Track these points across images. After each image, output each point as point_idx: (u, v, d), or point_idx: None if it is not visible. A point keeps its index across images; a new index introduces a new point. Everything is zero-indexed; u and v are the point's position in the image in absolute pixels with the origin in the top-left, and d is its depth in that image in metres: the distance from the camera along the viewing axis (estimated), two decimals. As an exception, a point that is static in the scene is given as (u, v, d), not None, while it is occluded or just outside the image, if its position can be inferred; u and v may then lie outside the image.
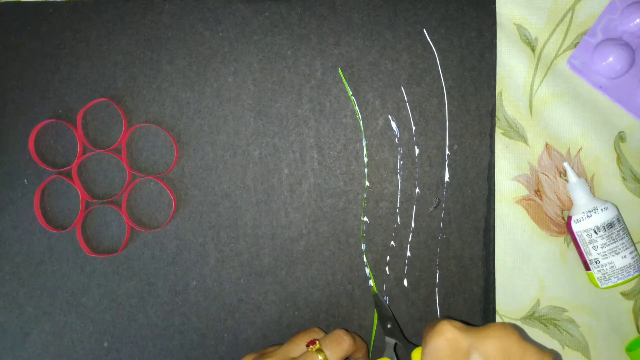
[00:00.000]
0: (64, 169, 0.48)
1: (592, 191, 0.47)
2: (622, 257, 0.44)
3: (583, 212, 0.44)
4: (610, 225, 0.44)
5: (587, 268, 0.45)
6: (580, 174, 0.47)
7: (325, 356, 0.41)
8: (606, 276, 0.44)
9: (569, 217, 0.45)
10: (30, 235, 0.48)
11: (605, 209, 0.44)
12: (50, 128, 0.48)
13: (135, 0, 0.48)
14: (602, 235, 0.44)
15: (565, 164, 0.46)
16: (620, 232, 0.44)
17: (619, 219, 0.45)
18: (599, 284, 0.45)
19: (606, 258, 0.44)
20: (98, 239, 0.48)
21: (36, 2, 0.48)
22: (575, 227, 0.45)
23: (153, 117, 0.48)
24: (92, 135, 0.48)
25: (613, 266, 0.44)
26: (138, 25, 0.48)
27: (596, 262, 0.44)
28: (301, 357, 0.41)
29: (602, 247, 0.44)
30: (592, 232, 0.44)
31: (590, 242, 0.44)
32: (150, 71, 0.48)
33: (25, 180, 0.48)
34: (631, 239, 0.45)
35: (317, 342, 0.41)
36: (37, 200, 0.48)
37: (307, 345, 0.41)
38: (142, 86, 0.48)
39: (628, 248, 0.44)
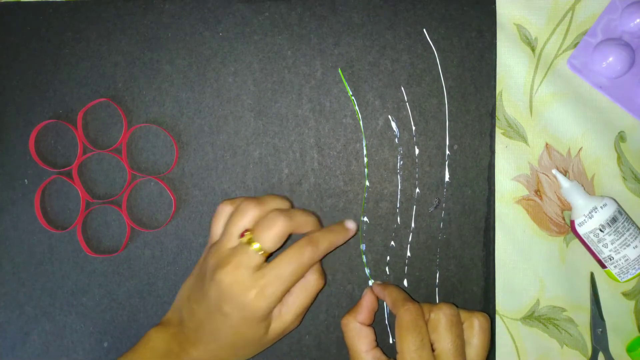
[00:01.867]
0: (65, 169, 0.48)
1: (592, 191, 0.47)
2: (634, 248, 0.44)
3: (584, 214, 0.44)
4: (614, 219, 0.44)
5: (603, 266, 0.45)
6: (581, 174, 0.47)
7: (260, 246, 0.39)
8: (624, 270, 0.44)
9: (572, 222, 0.45)
10: (31, 235, 0.48)
11: (605, 205, 0.44)
12: (51, 128, 0.48)
13: (135, 0, 0.48)
14: (609, 232, 0.44)
15: (554, 171, 0.46)
16: (626, 223, 0.44)
17: (620, 211, 0.45)
18: (619, 279, 0.45)
19: (618, 253, 0.44)
20: (98, 239, 0.48)
21: (36, 2, 0.49)
22: (580, 230, 0.45)
23: (153, 117, 0.48)
24: (92, 135, 0.48)
25: (627, 259, 0.44)
26: (138, 25, 0.48)
27: (610, 259, 0.45)
28: (235, 252, 0.40)
29: (611, 243, 0.44)
30: (598, 231, 0.44)
31: (599, 242, 0.44)
32: (150, 71, 0.48)
33: (26, 180, 0.48)
34: (637, 227, 0.45)
35: (248, 232, 0.40)
36: (37, 200, 0.48)
37: (241, 235, 0.40)
38: (142, 86, 0.48)
39: (637, 237, 0.44)
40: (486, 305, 0.47)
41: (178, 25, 0.48)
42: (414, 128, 0.47)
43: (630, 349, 0.46)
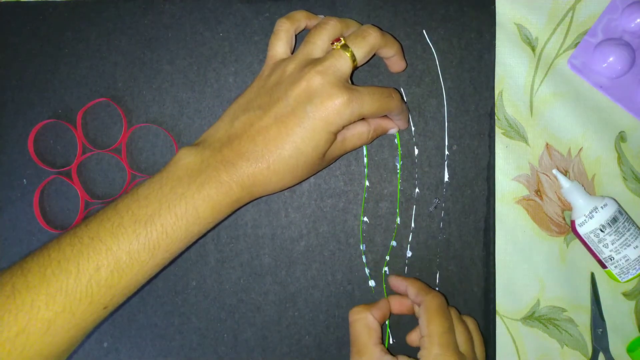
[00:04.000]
0: (64, 169, 0.48)
1: (593, 191, 0.47)
2: (635, 248, 0.44)
3: (585, 215, 0.44)
4: (614, 220, 0.44)
5: (604, 266, 0.45)
6: (581, 174, 0.47)
7: (352, 53, 0.38)
8: (624, 270, 0.44)
9: (573, 222, 0.45)
10: (30, 235, 0.48)
11: (605, 205, 0.44)
12: (50, 128, 0.48)
13: (135, 0, 0.48)
14: (609, 232, 0.44)
15: (554, 171, 0.46)
16: (626, 223, 0.44)
17: (621, 211, 0.45)
18: (619, 279, 0.45)
19: (619, 253, 0.44)
20: (98, 239, 0.48)
21: (36, 2, 0.49)
22: (581, 230, 0.45)
23: (153, 117, 0.48)
24: (92, 135, 0.48)
25: (628, 259, 0.44)
26: (138, 25, 0.48)
27: (611, 259, 0.44)
28: (327, 57, 0.38)
29: (612, 244, 0.44)
30: (599, 231, 0.44)
31: (599, 242, 0.44)
32: (150, 71, 0.48)
33: (25, 180, 0.48)
34: (638, 227, 0.45)
35: (342, 38, 0.39)
36: (36, 200, 0.48)
37: (332, 43, 0.39)
38: (142, 86, 0.48)
39: (638, 237, 0.44)
40: (486, 305, 0.47)
41: (178, 25, 0.48)
42: (413, 128, 0.47)
43: (630, 349, 0.46)
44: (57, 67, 0.48)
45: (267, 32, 0.48)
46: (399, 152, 0.47)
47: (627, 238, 0.44)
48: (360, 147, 0.44)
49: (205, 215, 0.37)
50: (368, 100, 0.38)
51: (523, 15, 0.47)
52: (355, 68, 0.39)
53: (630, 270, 0.44)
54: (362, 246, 0.47)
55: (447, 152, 0.47)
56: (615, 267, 0.45)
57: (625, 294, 0.47)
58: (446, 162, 0.47)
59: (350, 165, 0.48)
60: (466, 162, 0.47)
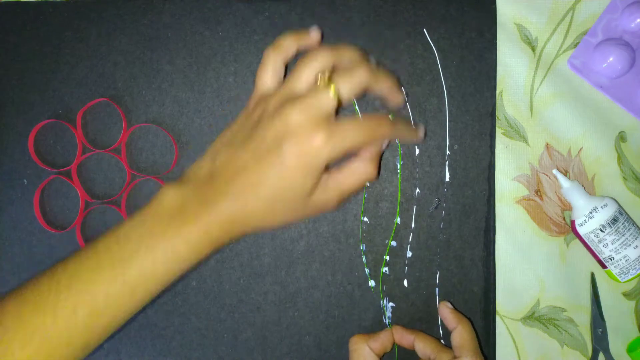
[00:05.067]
0: (64, 169, 0.48)
1: (593, 191, 0.47)
2: (635, 248, 0.44)
3: (585, 215, 0.44)
4: (614, 220, 0.44)
5: (604, 266, 0.45)
6: (581, 174, 0.47)
7: (337, 90, 0.36)
8: (624, 270, 0.44)
9: (573, 222, 0.45)
10: (30, 235, 0.48)
11: (605, 205, 0.44)
12: (50, 128, 0.48)
13: (135, 0, 0.48)
14: (609, 232, 0.44)
15: (554, 171, 0.46)
16: (626, 223, 0.44)
17: (621, 211, 0.45)
18: (619, 279, 0.45)
19: (619, 253, 0.44)
20: (98, 239, 0.48)
21: (36, 2, 0.48)
22: (581, 230, 0.45)
23: (153, 117, 0.48)
24: (91, 135, 0.48)
25: (628, 259, 0.44)
26: (138, 25, 0.48)
27: (611, 259, 0.44)
28: (309, 93, 0.36)
29: (612, 244, 0.44)
30: (599, 231, 0.44)
31: (599, 242, 0.44)
32: (150, 71, 0.48)
33: (25, 180, 0.48)
34: (638, 227, 0.45)
35: (327, 72, 0.37)
36: (36, 200, 0.48)
37: (317, 77, 0.37)
38: (142, 86, 0.48)
39: (638, 237, 0.44)
40: (486, 305, 0.47)
41: (178, 25, 0.48)
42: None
43: (630, 349, 0.46)
44: (57, 67, 0.48)
45: (267, 32, 0.48)
46: (400, 151, 0.47)
47: (627, 238, 0.44)
48: (363, 185, 0.40)
49: (184, 255, 0.36)
50: (351, 135, 0.36)
51: (523, 15, 0.47)
52: (341, 105, 0.37)
53: (630, 270, 0.44)
54: (362, 246, 0.47)
55: (448, 152, 0.47)
56: (615, 267, 0.45)
57: (625, 294, 0.47)
58: (447, 162, 0.47)
59: (351, 165, 0.48)
60: (467, 161, 0.47)
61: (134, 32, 0.48)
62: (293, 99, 0.36)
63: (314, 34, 0.41)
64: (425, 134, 0.47)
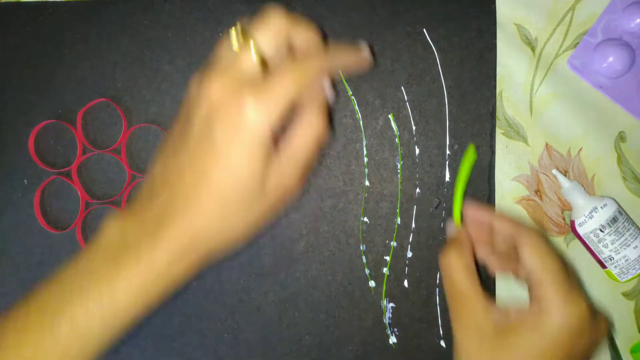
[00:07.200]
0: (64, 169, 0.48)
1: (592, 191, 0.47)
2: (634, 248, 0.44)
3: (584, 215, 0.44)
4: (614, 220, 0.44)
5: (603, 266, 0.45)
6: (581, 174, 0.47)
7: (255, 47, 0.30)
8: (624, 270, 0.44)
9: (572, 222, 0.45)
10: (30, 235, 0.48)
11: (605, 205, 0.44)
12: (50, 128, 0.48)
13: (135, 0, 0.48)
14: (609, 232, 0.44)
15: (554, 171, 0.46)
16: (626, 223, 0.44)
17: (621, 211, 0.45)
18: (619, 279, 0.45)
19: (619, 253, 0.44)
20: (98, 239, 0.48)
21: (36, 2, 0.48)
22: (580, 230, 0.45)
23: (153, 117, 0.48)
24: (92, 135, 0.48)
25: (628, 259, 0.44)
26: (138, 25, 0.48)
27: (610, 259, 0.44)
28: (224, 58, 0.31)
29: (612, 244, 0.44)
30: (599, 231, 0.44)
31: (599, 242, 0.44)
32: (150, 71, 0.48)
33: (25, 180, 0.48)
34: (638, 227, 0.45)
35: (238, 24, 0.31)
36: (37, 200, 0.48)
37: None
38: (142, 86, 0.48)
39: (638, 237, 0.44)
40: (486, 305, 0.47)
41: (178, 25, 0.48)
42: (414, 128, 0.47)
43: (633, 351, 0.46)
44: (57, 67, 0.48)
45: (267, 32, 0.48)
46: (400, 151, 0.47)
47: (626, 238, 0.44)
48: (318, 146, 0.33)
49: (126, 305, 0.29)
50: (283, 88, 0.29)
51: (523, 16, 0.47)
52: (266, 64, 0.31)
53: (630, 270, 0.44)
54: (362, 246, 0.47)
55: (448, 152, 0.47)
56: (615, 267, 0.45)
57: (625, 294, 0.47)
58: (447, 162, 0.47)
59: (350, 165, 0.48)
60: (466, 162, 0.47)
61: (134, 32, 0.48)
62: (208, 72, 0.30)
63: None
64: (374, 55, 0.40)
